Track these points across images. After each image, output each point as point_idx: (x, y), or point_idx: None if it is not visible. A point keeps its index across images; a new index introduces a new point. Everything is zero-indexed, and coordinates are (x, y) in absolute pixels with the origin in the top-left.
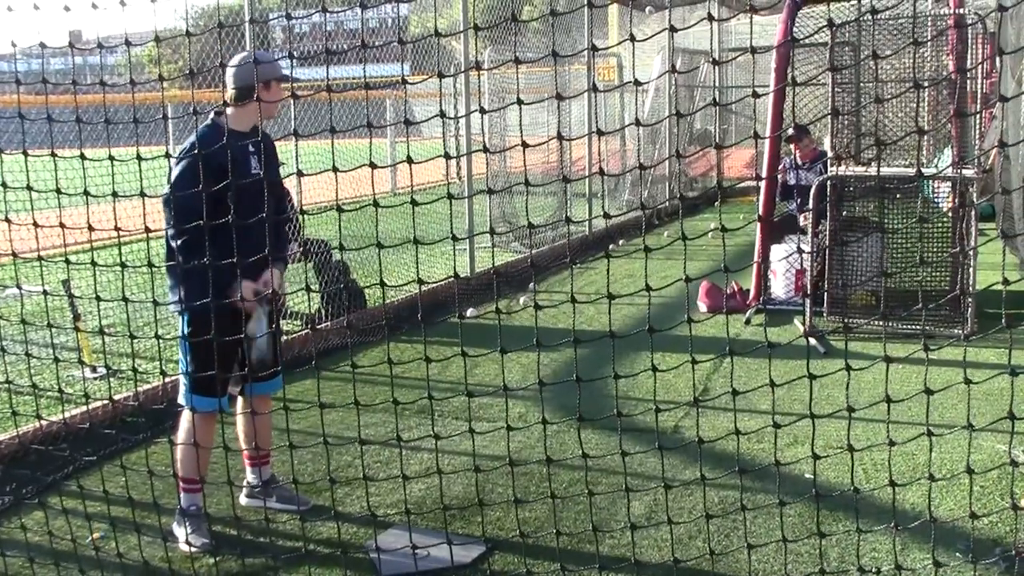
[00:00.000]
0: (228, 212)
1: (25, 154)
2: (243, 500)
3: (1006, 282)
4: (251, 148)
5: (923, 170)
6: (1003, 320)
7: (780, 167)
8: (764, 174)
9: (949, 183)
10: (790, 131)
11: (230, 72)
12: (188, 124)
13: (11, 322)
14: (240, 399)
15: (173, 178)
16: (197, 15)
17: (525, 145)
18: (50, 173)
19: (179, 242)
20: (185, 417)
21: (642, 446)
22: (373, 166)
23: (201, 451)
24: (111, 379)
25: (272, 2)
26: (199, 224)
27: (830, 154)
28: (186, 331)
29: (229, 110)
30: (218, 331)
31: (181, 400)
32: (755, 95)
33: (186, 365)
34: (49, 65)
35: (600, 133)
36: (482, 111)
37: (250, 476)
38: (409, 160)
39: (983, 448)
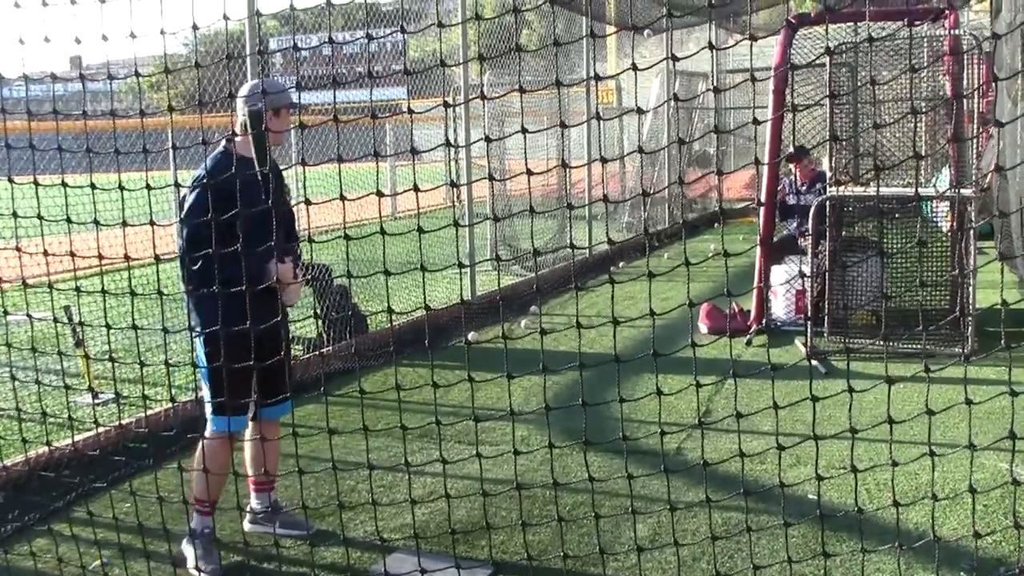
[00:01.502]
0: (238, 240)
1: (11, 181)
2: (247, 526)
3: (1004, 303)
4: (258, 177)
5: (922, 190)
6: (1003, 340)
7: (779, 188)
8: (763, 196)
9: (948, 203)
10: (790, 150)
11: (241, 100)
12: (196, 152)
13: (19, 349)
14: (250, 424)
15: (187, 207)
16: (198, 41)
17: (530, 173)
18: (35, 200)
19: (195, 268)
20: (208, 441)
21: (645, 468)
22: (380, 194)
23: (219, 474)
24: (113, 404)
25: (272, 26)
26: (210, 252)
27: (829, 175)
28: (204, 355)
29: (239, 138)
30: (233, 355)
31: (209, 427)
32: (755, 121)
33: (210, 389)
34: (53, 92)
35: (604, 160)
36: (487, 139)
37: (254, 502)
38: (416, 188)
39: (985, 467)
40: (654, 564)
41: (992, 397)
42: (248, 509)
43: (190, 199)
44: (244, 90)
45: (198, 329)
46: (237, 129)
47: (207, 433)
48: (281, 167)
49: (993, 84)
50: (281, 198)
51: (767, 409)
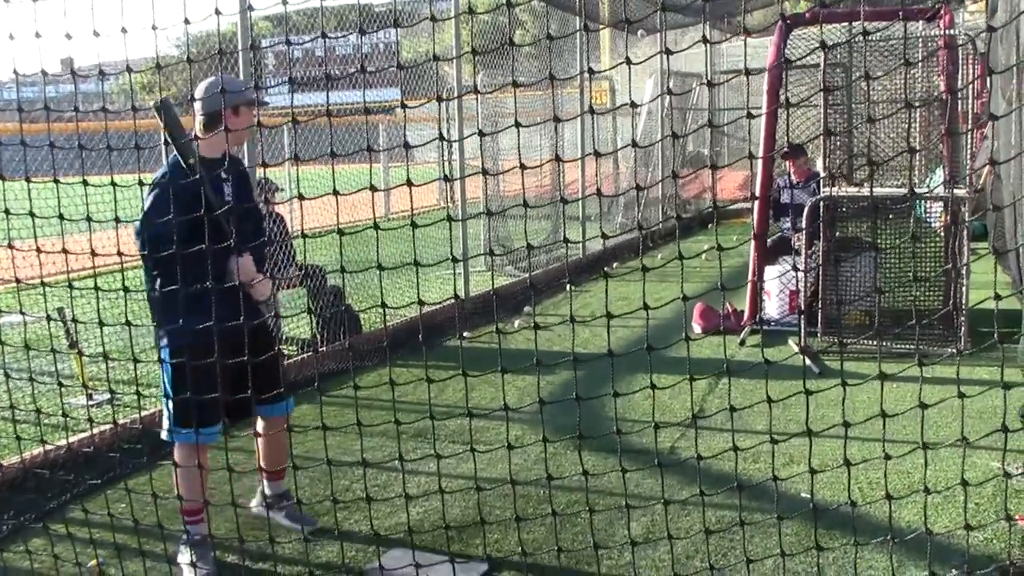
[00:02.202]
0: (201, 242)
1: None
2: (255, 508)
3: (998, 297)
4: (224, 176)
5: (916, 190)
6: (995, 336)
7: (774, 187)
8: (758, 195)
9: (941, 202)
10: (785, 148)
11: (198, 99)
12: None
13: (15, 347)
14: (260, 421)
15: (145, 208)
16: (189, 43)
17: (523, 167)
18: (40, 200)
19: (155, 273)
20: (176, 448)
21: (638, 466)
22: (374, 189)
23: (194, 478)
24: (107, 405)
25: (264, 27)
26: (171, 254)
27: (823, 174)
28: (167, 361)
29: (199, 138)
30: (199, 360)
31: (163, 434)
32: (749, 116)
33: (167, 396)
34: (43, 92)
35: (598, 155)
36: (481, 134)
37: (267, 488)
38: (409, 183)
39: (977, 465)
40: (648, 561)
41: (982, 392)
42: (260, 492)
43: (147, 200)
44: (200, 89)
45: (162, 335)
46: (196, 129)
47: (175, 449)
48: (272, 165)
49: (987, 84)
50: (247, 198)
51: (760, 403)
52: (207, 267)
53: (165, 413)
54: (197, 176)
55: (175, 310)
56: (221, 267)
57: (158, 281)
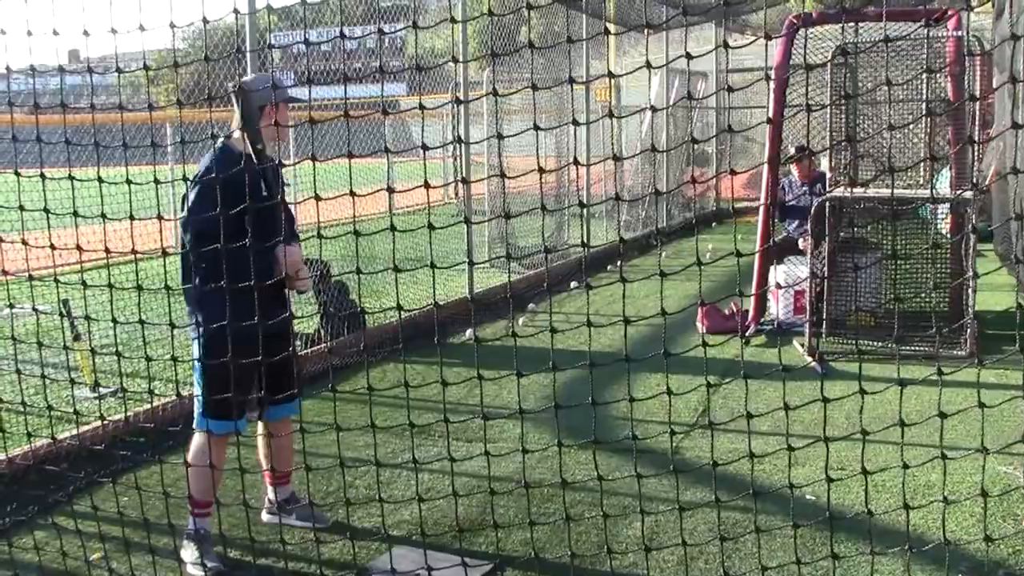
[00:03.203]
0: (244, 236)
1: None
2: (264, 517)
3: (1020, 307)
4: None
5: (922, 192)
6: (1016, 343)
7: (779, 188)
8: (763, 196)
9: (948, 205)
10: (792, 151)
11: (236, 95)
12: (199, 146)
13: (20, 340)
14: (260, 422)
15: (190, 203)
16: (195, 35)
17: (541, 171)
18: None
19: (202, 265)
20: (196, 440)
21: (643, 468)
22: (391, 190)
23: (209, 473)
24: (112, 398)
25: (271, 21)
26: (216, 248)
27: (829, 175)
28: (201, 354)
29: (236, 134)
30: (233, 355)
31: (196, 423)
32: (769, 121)
33: (201, 388)
34: (45, 85)
35: (616, 159)
36: (500, 137)
37: (272, 494)
38: (427, 184)
39: (985, 470)
40: (652, 563)
41: (1006, 401)
42: (267, 500)
43: (192, 195)
44: (245, 84)
45: (199, 329)
46: (234, 124)
47: (199, 435)
48: (287, 165)
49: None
50: (283, 193)
51: (769, 406)
52: (251, 260)
53: (196, 402)
54: (244, 166)
55: (216, 302)
56: (268, 259)
57: (201, 273)
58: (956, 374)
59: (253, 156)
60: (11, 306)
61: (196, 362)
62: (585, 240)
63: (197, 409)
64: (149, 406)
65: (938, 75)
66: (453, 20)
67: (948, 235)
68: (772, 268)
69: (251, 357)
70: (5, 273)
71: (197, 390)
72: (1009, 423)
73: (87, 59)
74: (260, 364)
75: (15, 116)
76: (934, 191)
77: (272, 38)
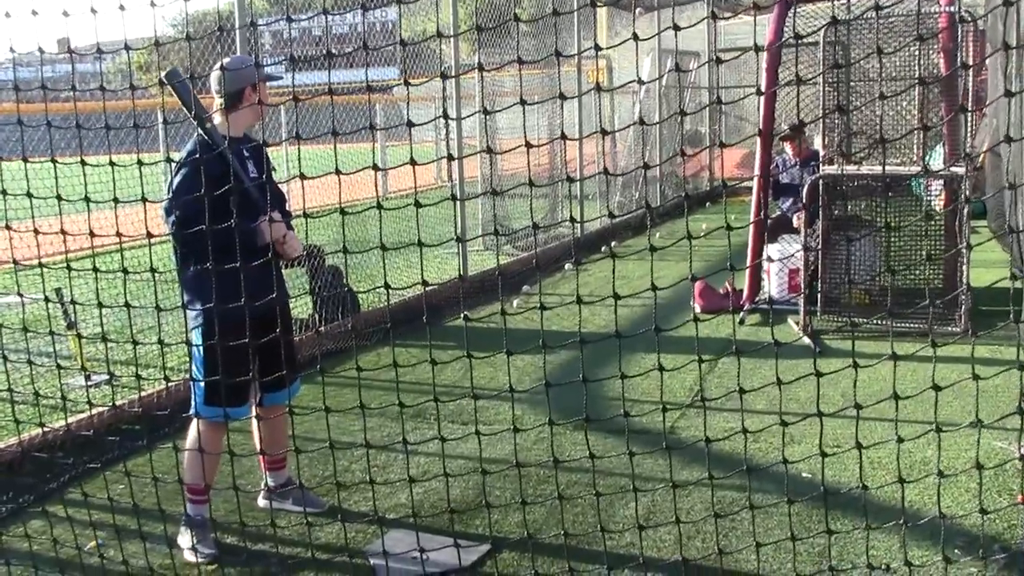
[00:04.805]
0: (228, 216)
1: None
2: (261, 502)
3: (1013, 277)
4: (246, 153)
5: (914, 168)
6: (1011, 317)
7: (772, 166)
8: (757, 168)
9: (941, 181)
10: (785, 129)
11: (216, 78)
12: (181, 130)
13: (12, 329)
14: (254, 407)
15: (174, 187)
16: (186, 22)
17: (528, 146)
18: (42, 180)
19: (185, 251)
20: (193, 425)
21: (638, 447)
22: (376, 169)
23: (208, 460)
24: (106, 386)
25: (261, 7)
26: (202, 229)
27: (822, 153)
28: (199, 340)
29: (218, 117)
30: (232, 339)
31: (192, 408)
32: (759, 92)
33: (198, 373)
34: (39, 73)
35: (604, 133)
36: (485, 112)
37: (269, 479)
38: (413, 163)
39: (979, 444)
40: (648, 543)
41: (1000, 372)
42: (263, 486)
43: (176, 179)
44: (219, 69)
45: (195, 315)
46: (215, 107)
47: (200, 422)
48: (271, 144)
49: (987, 62)
50: (269, 173)
51: (762, 383)
52: (237, 243)
53: (194, 390)
54: (221, 152)
55: (207, 288)
56: (253, 241)
57: (190, 259)
58: (950, 347)
59: (215, 135)
60: (20, 294)
61: (196, 348)
62: (575, 217)
63: (197, 397)
64: (141, 394)
65: (930, 51)
66: None
67: (941, 211)
68: (766, 248)
69: (248, 337)
70: (16, 263)
71: (197, 377)
72: (1004, 398)
73: (96, 44)
74: (259, 345)
75: (12, 105)
76: (927, 168)
77: (263, 23)
